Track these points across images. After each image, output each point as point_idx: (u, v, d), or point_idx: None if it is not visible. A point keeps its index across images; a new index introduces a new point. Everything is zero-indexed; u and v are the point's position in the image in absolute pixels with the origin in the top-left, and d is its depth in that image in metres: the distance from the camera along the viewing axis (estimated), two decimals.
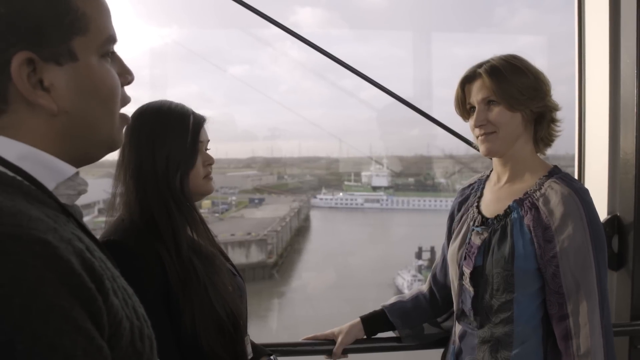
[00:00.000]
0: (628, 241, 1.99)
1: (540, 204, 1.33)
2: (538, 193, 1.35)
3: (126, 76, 0.77)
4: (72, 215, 0.69)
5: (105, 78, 0.71)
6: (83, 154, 0.72)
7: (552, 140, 1.43)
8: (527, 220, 1.34)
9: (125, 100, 0.77)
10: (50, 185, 0.67)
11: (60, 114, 0.67)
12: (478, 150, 1.45)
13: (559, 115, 1.42)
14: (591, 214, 1.30)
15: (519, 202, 1.37)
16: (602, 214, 2.08)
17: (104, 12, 0.72)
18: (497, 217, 1.41)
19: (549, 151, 1.47)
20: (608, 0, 2.05)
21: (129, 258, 1.15)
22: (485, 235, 1.41)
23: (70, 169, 0.70)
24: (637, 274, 1.97)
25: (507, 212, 1.39)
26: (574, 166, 2.29)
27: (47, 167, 0.67)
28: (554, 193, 1.32)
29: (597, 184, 2.14)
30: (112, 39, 0.73)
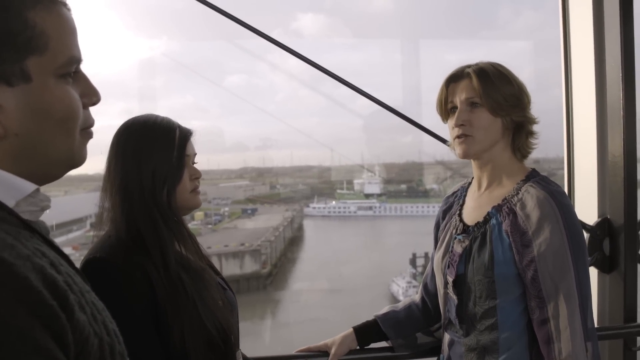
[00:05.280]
0: (619, 243, 2.00)
1: (517, 209, 1.34)
2: (515, 198, 1.36)
3: (91, 97, 0.73)
4: (36, 230, 0.66)
5: (62, 100, 0.67)
6: (41, 173, 0.69)
7: (529, 152, 1.44)
8: (505, 225, 1.34)
9: (88, 121, 0.73)
10: (9, 202, 0.65)
11: (9, 136, 0.64)
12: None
13: (536, 127, 1.43)
14: (568, 216, 1.30)
15: (498, 209, 1.38)
16: (593, 217, 2.09)
17: (67, 32, 0.68)
18: (477, 224, 1.42)
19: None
20: (592, 5, 2.08)
21: (115, 275, 1.14)
22: (467, 243, 1.41)
23: (29, 186, 0.67)
24: (629, 276, 1.98)
25: (487, 218, 1.40)
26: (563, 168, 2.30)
27: (3, 185, 0.65)
28: (530, 197, 1.33)
29: (587, 187, 2.15)
30: (75, 60, 0.69)
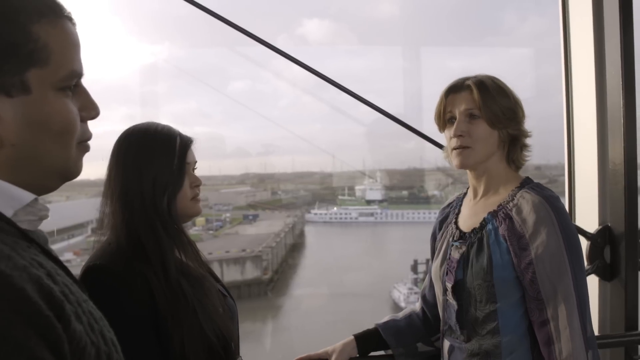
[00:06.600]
0: (620, 251, 2.00)
1: (513, 213, 1.36)
2: (511, 204, 1.38)
3: (90, 111, 0.73)
4: (34, 240, 0.66)
5: (60, 112, 0.67)
6: (37, 185, 0.69)
7: (523, 164, 1.48)
8: (502, 230, 1.37)
9: (85, 135, 0.73)
10: (7, 212, 0.65)
11: (6, 146, 0.64)
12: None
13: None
14: (563, 220, 1.32)
15: (493, 214, 1.41)
16: (593, 224, 2.09)
17: (70, 46, 0.69)
18: (473, 230, 1.44)
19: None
20: (592, 13, 2.08)
21: (116, 283, 1.14)
22: (464, 248, 1.44)
23: (28, 196, 0.68)
24: (630, 284, 1.98)
25: (483, 224, 1.42)
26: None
27: (2, 195, 0.65)
28: (526, 202, 1.35)
29: (588, 195, 2.15)
30: (75, 74, 0.69)
